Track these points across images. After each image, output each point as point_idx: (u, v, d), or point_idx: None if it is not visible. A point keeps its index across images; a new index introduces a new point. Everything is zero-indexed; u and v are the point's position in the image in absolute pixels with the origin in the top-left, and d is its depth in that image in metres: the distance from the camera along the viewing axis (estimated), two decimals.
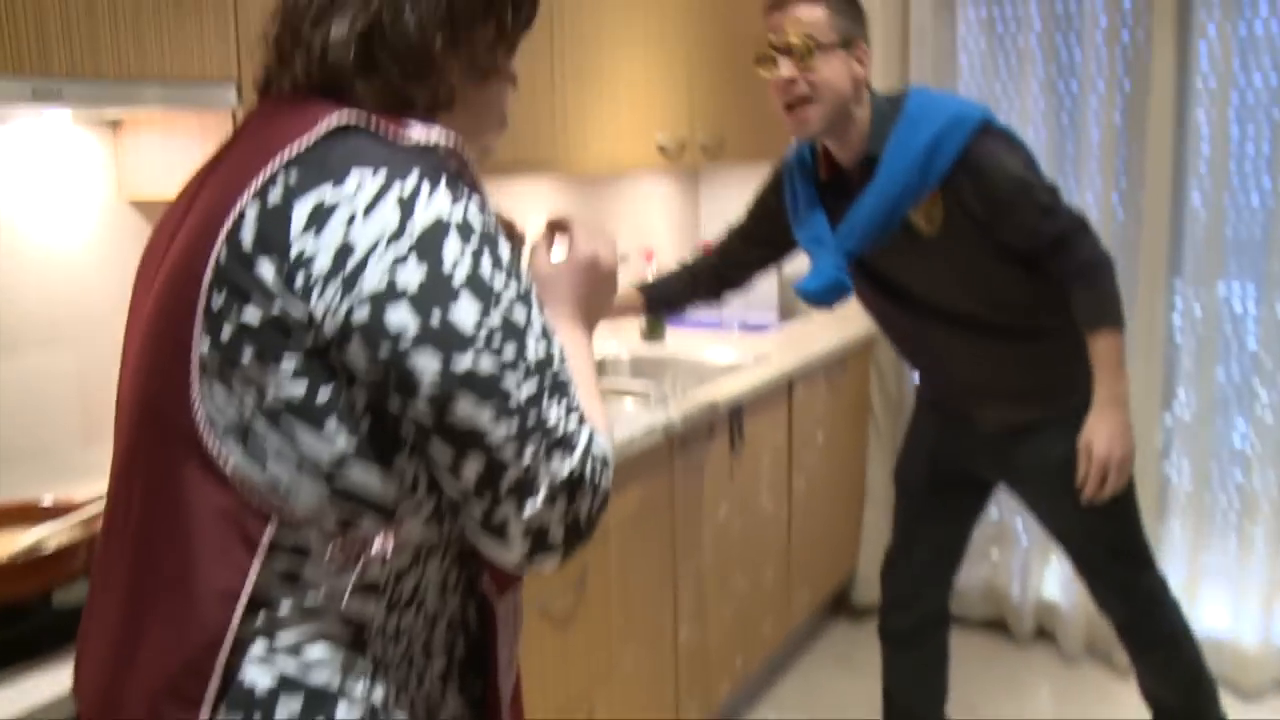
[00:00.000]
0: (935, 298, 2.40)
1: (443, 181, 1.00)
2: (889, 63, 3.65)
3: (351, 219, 0.96)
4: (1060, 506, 2.42)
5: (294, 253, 0.97)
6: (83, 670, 1.12)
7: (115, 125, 2.11)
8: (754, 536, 3.11)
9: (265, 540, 0.99)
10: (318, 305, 0.96)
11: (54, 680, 1.32)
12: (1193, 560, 3.46)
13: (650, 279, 2.75)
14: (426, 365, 0.95)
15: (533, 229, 1.31)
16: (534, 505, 0.99)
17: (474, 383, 0.96)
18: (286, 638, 1.03)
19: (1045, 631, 3.75)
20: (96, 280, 2.12)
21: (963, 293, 2.37)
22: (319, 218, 0.97)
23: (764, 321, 3.81)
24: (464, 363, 0.96)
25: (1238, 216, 3.33)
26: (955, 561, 2.74)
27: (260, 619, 1.02)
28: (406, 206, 0.97)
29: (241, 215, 0.99)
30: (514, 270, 1.02)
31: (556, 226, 1.28)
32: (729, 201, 4.16)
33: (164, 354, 1.02)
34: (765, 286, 3.80)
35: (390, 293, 0.95)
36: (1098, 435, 2.27)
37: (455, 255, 0.97)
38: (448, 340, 0.95)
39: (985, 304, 2.38)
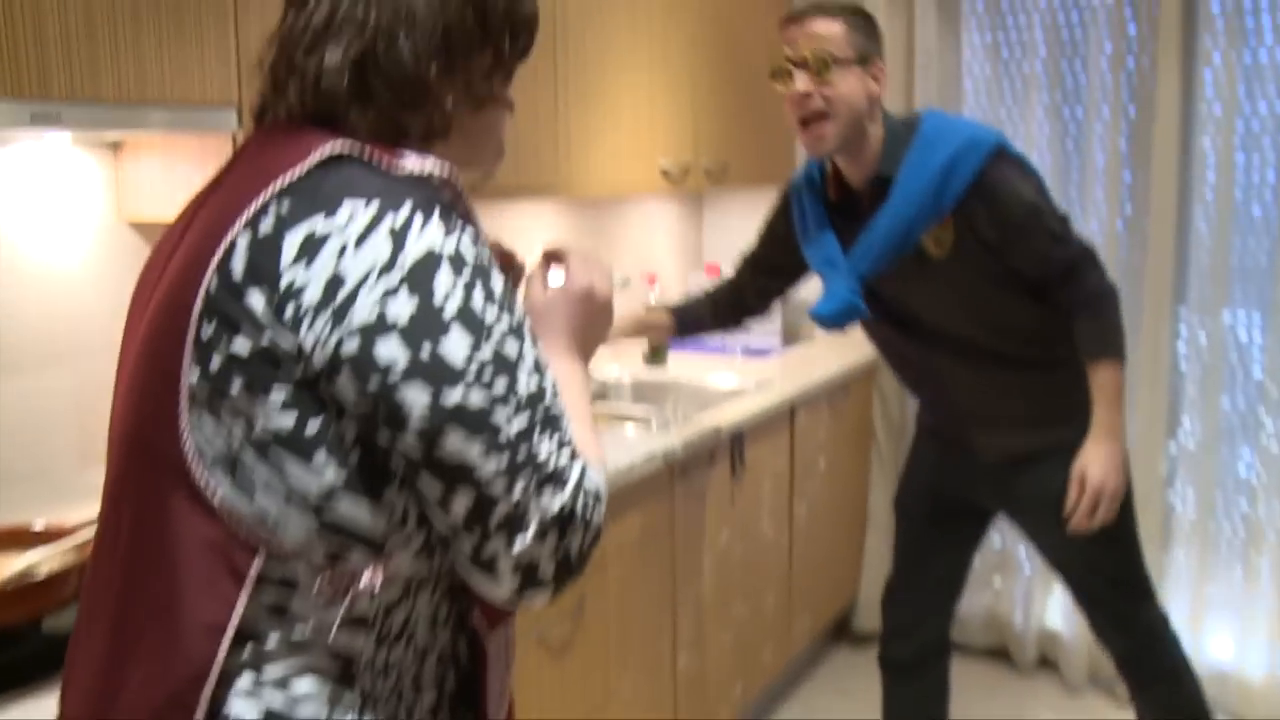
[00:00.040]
0: (940, 322, 2.39)
1: (436, 213, 0.99)
2: (893, 87, 3.64)
3: (343, 250, 0.96)
4: (1060, 537, 2.40)
5: (284, 283, 0.96)
6: (68, 700, 1.10)
7: (116, 147, 2.11)
8: (755, 563, 3.10)
9: (253, 573, 0.98)
10: (307, 337, 0.95)
11: (44, 708, 1.31)
12: (1197, 590, 3.44)
13: (679, 301, 2.77)
14: (416, 399, 0.94)
15: (534, 254, 1.30)
16: (524, 541, 0.98)
17: (464, 417, 0.95)
18: (273, 671, 1.02)
19: (1048, 660, 3.73)
20: (95, 301, 2.11)
21: (966, 317, 2.36)
22: (310, 248, 0.96)
23: (767, 346, 3.80)
24: (454, 396, 0.95)
25: (1243, 244, 3.32)
26: (956, 591, 2.72)
27: (247, 652, 1.01)
28: (398, 238, 0.96)
29: (233, 245, 0.99)
30: (507, 303, 1.01)
31: (552, 256, 1.27)
32: (733, 225, 4.16)
33: (154, 383, 1.02)
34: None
35: (380, 325, 0.94)
36: (1093, 464, 2.26)
37: (447, 288, 0.96)
38: (438, 374, 0.94)
39: (989, 330, 2.37)
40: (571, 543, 1.01)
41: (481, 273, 1.00)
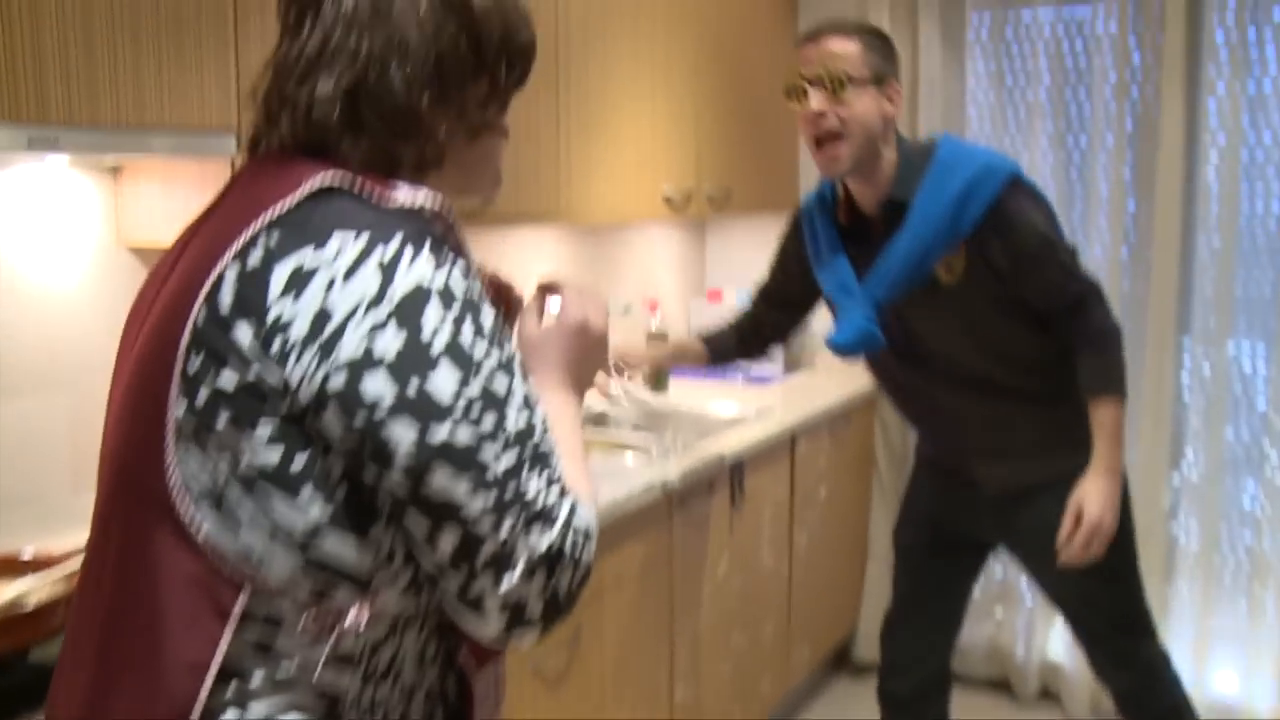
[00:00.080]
0: (945, 351, 2.37)
1: (426, 246, 0.98)
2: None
3: (331, 284, 0.95)
4: (1060, 572, 2.38)
5: (271, 317, 0.95)
6: None
7: (116, 171, 2.10)
8: (753, 592, 3.07)
9: (237, 610, 0.97)
10: (294, 371, 0.94)
11: None
12: (1201, 624, 3.41)
13: (709, 331, 2.76)
14: (402, 435, 0.93)
15: (535, 281, 1.29)
16: (511, 579, 0.96)
17: (451, 454, 0.94)
18: (258, 709, 1.00)
19: (1050, 692, 3.69)
20: (93, 324, 2.10)
21: (972, 345, 2.34)
22: (298, 282, 0.95)
23: (768, 374, 3.78)
24: (441, 433, 0.93)
25: (1247, 274, 3.31)
26: (955, 625, 2.69)
27: (231, 690, 0.99)
28: (387, 272, 0.95)
29: (221, 277, 0.98)
30: (497, 338, 1.00)
31: (547, 289, 1.26)
32: (735, 252, 4.16)
33: (141, 416, 1.01)
34: None
35: (367, 360, 0.93)
36: (1091, 499, 2.24)
37: (435, 323, 0.95)
38: (425, 410, 0.93)
39: (994, 359, 2.35)
40: (560, 582, 0.99)
41: (471, 307, 0.98)
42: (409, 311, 0.94)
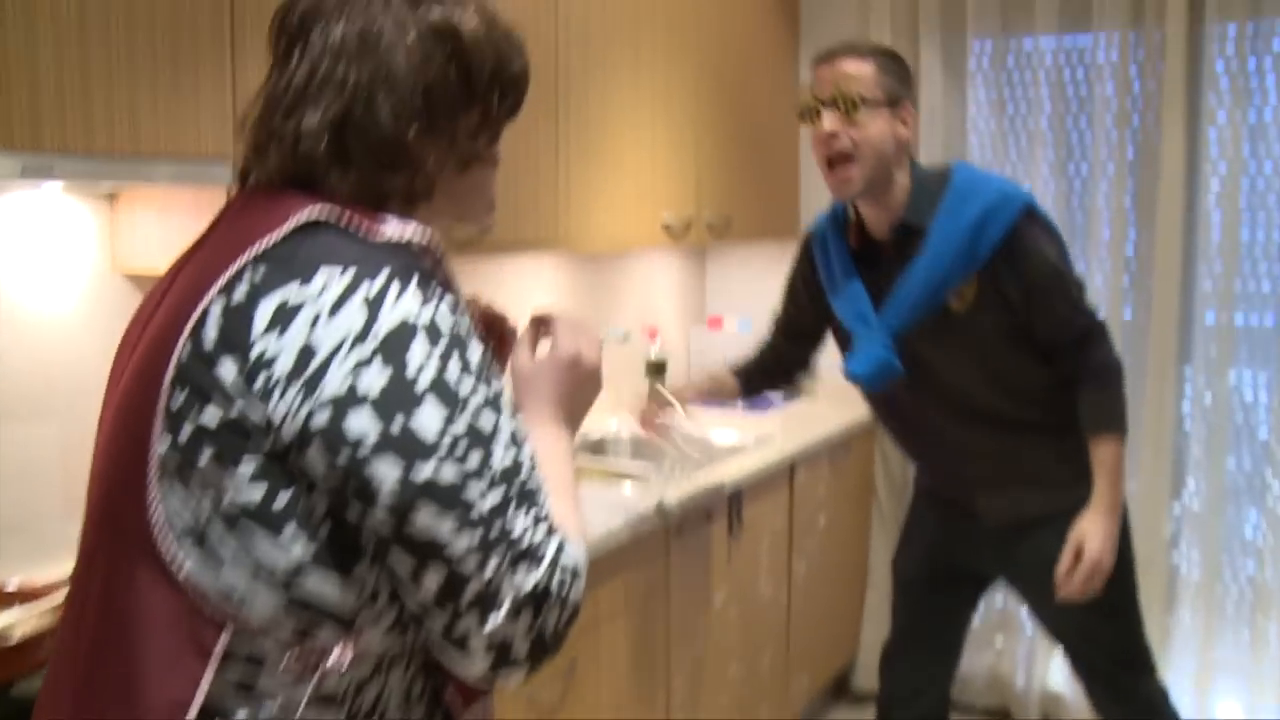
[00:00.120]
0: (950, 379, 2.34)
1: (414, 281, 0.97)
2: None
3: (316, 319, 0.94)
4: (1059, 606, 2.35)
5: (255, 353, 0.94)
6: None
7: (112, 198, 2.10)
8: (752, 622, 3.05)
9: (219, 649, 0.96)
10: (278, 408, 0.93)
11: None
12: (1203, 654, 3.38)
13: (738, 363, 2.73)
14: (386, 473, 0.92)
15: (530, 311, 1.27)
16: (496, 619, 0.95)
17: (435, 492, 0.92)
18: None
19: None
20: (88, 351, 2.09)
21: (978, 374, 2.33)
22: (283, 317, 0.94)
23: (768, 401, 3.76)
24: (425, 471, 0.92)
25: (1249, 303, 3.30)
26: (954, 657, 2.67)
27: None
28: (373, 307, 0.94)
29: (206, 312, 0.97)
30: (484, 374, 0.99)
31: (540, 322, 1.25)
32: (736, 279, 4.15)
33: (125, 450, 1.00)
34: None
35: (351, 397, 0.92)
36: (1092, 537, 2.23)
37: (420, 359, 0.94)
38: (409, 448, 0.92)
39: (998, 390, 2.34)
40: (547, 621, 0.98)
41: (458, 343, 0.97)
42: (394, 348, 0.93)
